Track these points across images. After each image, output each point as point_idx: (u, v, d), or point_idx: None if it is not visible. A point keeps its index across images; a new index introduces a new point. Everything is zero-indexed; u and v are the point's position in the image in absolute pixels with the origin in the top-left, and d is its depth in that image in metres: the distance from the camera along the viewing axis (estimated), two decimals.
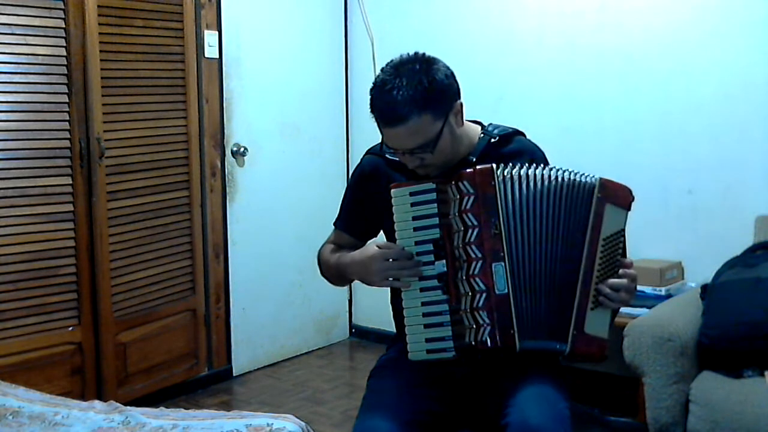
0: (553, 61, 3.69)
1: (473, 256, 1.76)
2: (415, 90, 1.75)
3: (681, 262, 3.34)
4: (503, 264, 1.75)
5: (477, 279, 1.75)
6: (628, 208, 1.82)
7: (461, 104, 1.86)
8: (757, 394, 2.42)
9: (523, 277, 1.77)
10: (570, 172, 1.81)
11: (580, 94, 3.63)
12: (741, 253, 2.86)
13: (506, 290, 1.75)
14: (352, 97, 4.40)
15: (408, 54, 1.83)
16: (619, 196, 1.82)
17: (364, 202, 2.04)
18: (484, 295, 1.75)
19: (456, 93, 1.84)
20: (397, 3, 4.22)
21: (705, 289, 2.80)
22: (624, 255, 1.85)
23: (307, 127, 4.21)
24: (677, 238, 3.39)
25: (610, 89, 3.54)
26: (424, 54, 1.83)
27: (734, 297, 2.65)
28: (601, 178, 1.81)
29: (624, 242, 1.84)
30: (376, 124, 1.84)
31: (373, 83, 1.84)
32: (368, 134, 4.20)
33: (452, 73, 1.84)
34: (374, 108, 1.83)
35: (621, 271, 1.81)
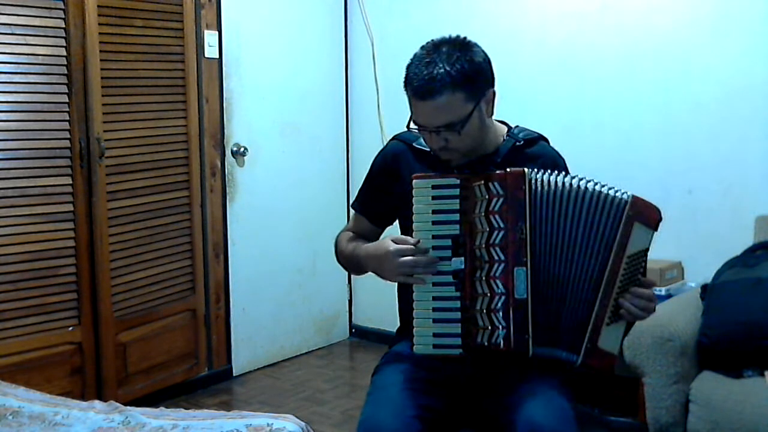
0: (553, 61, 3.69)
1: (496, 258, 1.75)
2: (452, 66, 1.75)
3: (681, 262, 3.34)
4: (525, 269, 1.74)
5: (497, 281, 1.75)
6: (655, 228, 1.80)
7: (494, 93, 1.86)
8: (757, 394, 2.42)
9: (543, 283, 1.76)
10: (602, 185, 1.79)
11: (580, 94, 3.63)
12: (741, 253, 2.86)
13: (525, 295, 1.74)
14: (352, 97, 4.40)
15: (449, 35, 1.84)
16: (648, 216, 1.79)
17: (384, 188, 2.04)
18: (502, 297, 1.74)
19: (491, 80, 1.85)
20: (397, 3, 4.22)
21: (705, 289, 2.80)
22: (644, 274, 1.83)
23: (307, 127, 4.21)
24: (677, 238, 3.39)
25: (610, 89, 3.55)
26: (465, 37, 1.84)
27: (734, 297, 2.65)
28: (633, 196, 1.78)
29: (645, 261, 1.82)
30: (409, 99, 1.82)
31: (411, 60, 1.83)
32: (368, 134, 4.25)
33: (489, 60, 1.84)
34: (408, 81, 1.81)
35: (639, 291, 1.77)
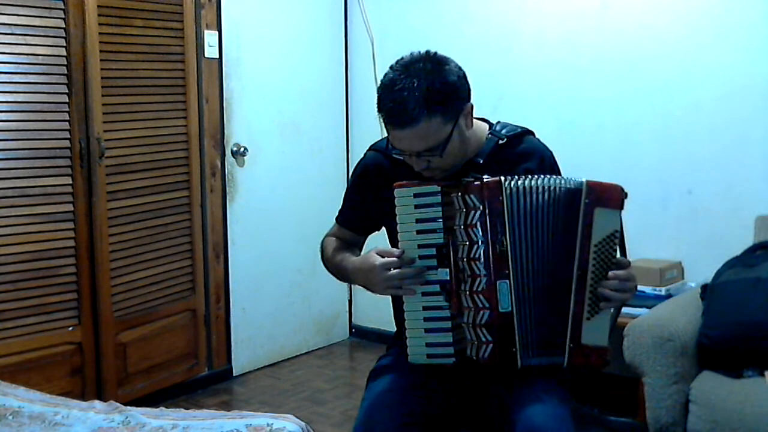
0: (553, 61, 3.69)
1: (477, 272, 1.73)
2: (426, 91, 1.69)
3: (681, 262, 3.34)
4: (508, 281, 1.72)
5: (480, 296, 1.73)
6: (621, 208, 1.76)
7: (471, 106, 1.81)
8: (757, 394, 2.42)
9: (527, 293, 1.74)
10: (562, 179, 1.76)
11: (580, 94, 3.63)
12: (741, 253, 2.86)
13: (510, 308, 1.73)
14: (352, 97, 4.40)
15: (419, 52, 1.77)
16: (609, 198, 1.75)
17: (366, 200, 2.01)
18: (487, 312, 1.73)
19: (467, 95, 1.79)
20: (397, 3, 4.22)
21: (705, 289, 2.80)
22: (623, 254, 1.80)
23: (307, 127, 4.21)
24: (677, 238, 3.39)
25: (610, 89, 3.54)
26: (435, 53, 1.77)
27: (734, 297, 2.65)
28: (587, 182, 1.74)
29: (621, 241, 1.79)
30: (383, 123, 1.78)
31: (382, 82, 1.77)
32: (368, 134, 4.25)
33: (464, 74, 1.78)
34: (382, 108, 1.75)
35: (611, 273, 1.75)
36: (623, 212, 1.78)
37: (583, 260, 1.74)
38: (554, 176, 1.79)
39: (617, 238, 1.77)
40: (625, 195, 1.76)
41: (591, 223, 1.74)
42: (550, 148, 2.00)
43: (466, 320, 1.75)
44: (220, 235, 3.80)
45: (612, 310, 1.80)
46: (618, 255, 1.80)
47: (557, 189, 1.75)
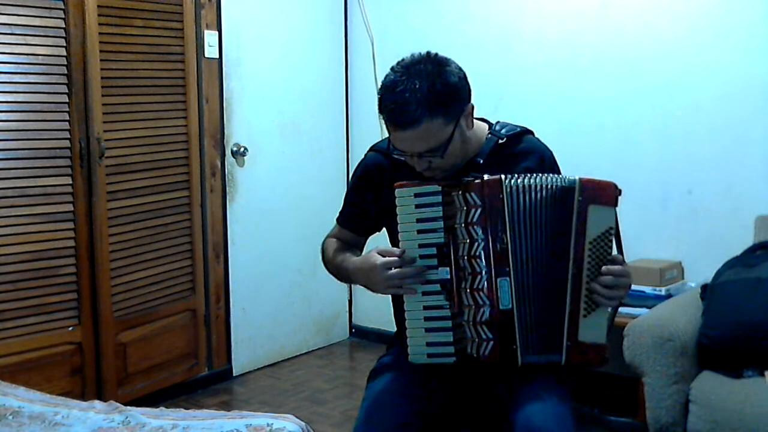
0: (553, 61, 3.69)
1: (478, 270, 1.74)
2: (427, 92, 1.70)
3: (681, 262, 3.34)
4: (508, 279, 1.73)
5: (481, 293, 1.74)
6: (615, 204, 1.77)
7: (472, 106, 1.82)
8: (757, 394, 2.42)
9: (527, 290, 1.75)
10: (558, 178, 1.77)
11: (580, 94, 3.63)
12: (741, 253, 2.86)
13: (510, 305, 1.73)
14: (352, 97, 4.40)
15: (420, 53, 1.78)
16: (603, 195, 1.76)
17: (367, 200, 2.02)
18: (487, 309, 1.74)
19: (468, 95, 1.80)
20: (397, 3, 4.22)
21: (705, 289, 2.80)
22: (620, 251, 1.81)
23: (307, 127, 4.21)
24: (677, 238, 3.39)
25: (610, 89, 3.54)
26: (436, 54, 1.78)
27: (734, 297, 2.65)
28: (580, 179, 1.75)
29: (617, 238, 1.80)
30: (384, 124, 1.79)
31: (383, 83, 1.78)
32: (368, 134, 4.26)
33: (464, 75, 1.79)
34: (383, 109, 1.76)
35: (605, 268, 1.75)
36: (620, 210, 1.79)
37: (578, 257, 1.75)
38: (551, 174, 1.79)
39: (612, 235, 1.78)
40: (619, 192, 1.77)
41: (585, 221, 1.75)
42: (550, 148, 2.00)
43: (467, 318, 1.76)
44: (220, 235, 3.80)
45: (609, 307, 1.80)
46: (614, 252, 1.80)
47: (553, 187, 1.76)
